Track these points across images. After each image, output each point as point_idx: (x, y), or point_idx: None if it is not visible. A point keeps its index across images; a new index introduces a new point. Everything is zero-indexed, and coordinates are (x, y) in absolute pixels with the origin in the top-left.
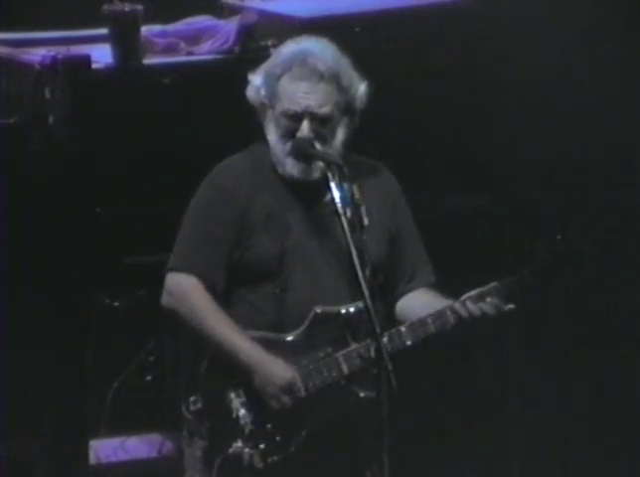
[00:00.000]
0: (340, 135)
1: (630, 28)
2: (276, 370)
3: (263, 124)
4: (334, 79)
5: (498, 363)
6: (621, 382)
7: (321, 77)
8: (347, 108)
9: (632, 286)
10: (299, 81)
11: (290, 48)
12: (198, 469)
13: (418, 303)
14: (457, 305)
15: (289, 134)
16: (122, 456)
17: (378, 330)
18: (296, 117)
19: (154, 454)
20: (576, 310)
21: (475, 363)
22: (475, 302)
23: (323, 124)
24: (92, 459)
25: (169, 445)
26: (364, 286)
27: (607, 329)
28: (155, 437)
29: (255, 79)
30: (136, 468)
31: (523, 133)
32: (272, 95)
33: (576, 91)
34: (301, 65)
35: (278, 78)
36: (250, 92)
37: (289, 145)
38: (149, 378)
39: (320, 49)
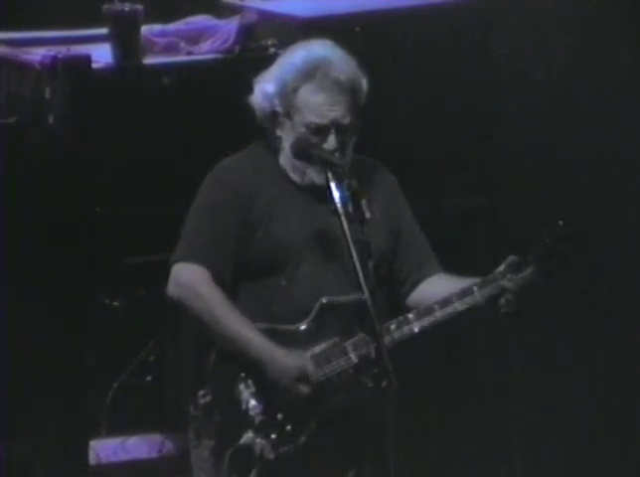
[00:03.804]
0: (353, 139)
1: (631, 27)
2: (287, 361)
3: (274, 131)
4: (352, 86)
5: (498, 362)
6: (621, 381)
7: (343, 88)
8: (358, 110)
9: (633, 286)
10: (322, 94)
11: (303, 56)
12: (205, 469)
13: (441, 286)
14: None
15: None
16: (122, 456)
17: (378, 329)
18: (320, 130)
19: (154, 454)
20: (576, 309)
21: (475, 362)
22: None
23: (345, 134)
24: (92, 459)
25: (169, 445)
26: (363, 282)
27: (607, 329)
28: (155, 437)
29: (267, 88)
30: (136, 468)
31: (523, 133)
32: (289, 106)
33: (577, 91)
34: (323, 77)
35: (296, 88)
36: (260, 100)
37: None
38: (149, 378)
39: (335, 57)
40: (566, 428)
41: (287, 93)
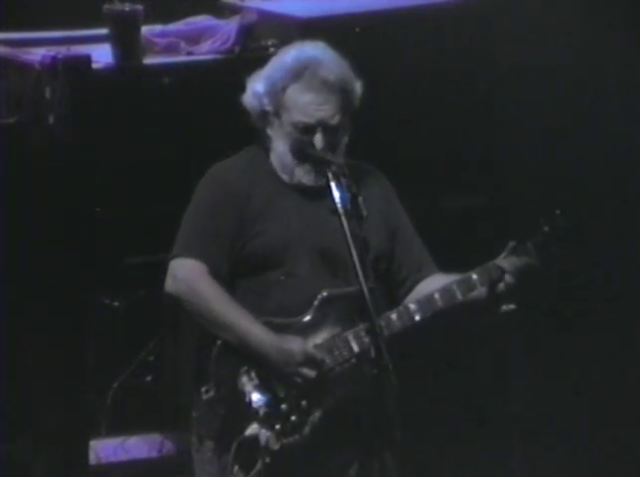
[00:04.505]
0: (345, 139)
1: (631, 27)
2: (290, 347)
3: (264, 131)
4: (342, 87)
5: (498, 363)
6: (621, 381)
7: (332, 87)
8: (349, 110)
9: (633, 286)
10: (310, 93)
11: (293, 55)
12: (208, 471)
13: (439, 284)
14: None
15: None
16: (122, 456)
17: (377, 327)
18: (308, 129)
19: (154, 454)
20: (577, 309)
21: (475, 363)
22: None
23: (334, 134)
24: (92, 459)
25: (169, 445)
26: (362, 277)
27: (607, 329)
28: (155, 437)
29: (257, 87)
30: (136, 468)
31: (523, 133)
32: (278, 105)
33: (577, 91)
34: (311, 77)
35: (284, 88)
36: (251, 100)
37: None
38: (149, 378)
39: (325, 57)
40: (566, 428)
41: (276, 92)
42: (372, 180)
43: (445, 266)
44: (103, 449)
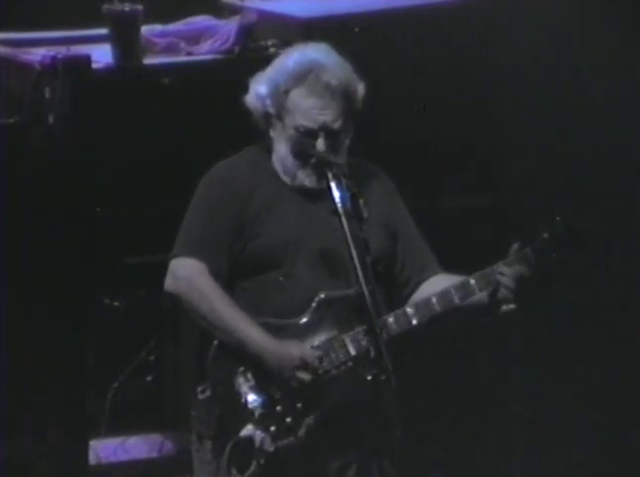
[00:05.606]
0: (347, 141)
1: (631, 27)
2: (287, 351)
3: (267, 132)
4: (344, 91)
5: (498, 363)
6: (622, 381)
7: (334, 92)
8: (351, 113)
9: (633, 286)
10: (313, 98)
11: (296, 58)
12: (207, 471)
13: (442, 285)
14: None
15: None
16: (122, 456)
17: (377, 328)
18: (310, 133)
19: (154, 454)
20: (577, 309)
21: (475, 363)
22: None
23: (336, 137)
24: (92, 459)
25: (169, 445)
26: (362, 277)
27: (607, 329)
28: (155, 437)
29: (260, 89)
30: (136, 468)
31: (523, 133)
32: (281, 108)
33: (577, 91)
34: (314, 81)
35: (287, 91)
36: (254, 101)
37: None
38: (149, 378)
39: (329, 61)
40: (567, 428)
41: (279, 95)
42: (373, 179)
43: (445, 266)
44: (103, 449)
